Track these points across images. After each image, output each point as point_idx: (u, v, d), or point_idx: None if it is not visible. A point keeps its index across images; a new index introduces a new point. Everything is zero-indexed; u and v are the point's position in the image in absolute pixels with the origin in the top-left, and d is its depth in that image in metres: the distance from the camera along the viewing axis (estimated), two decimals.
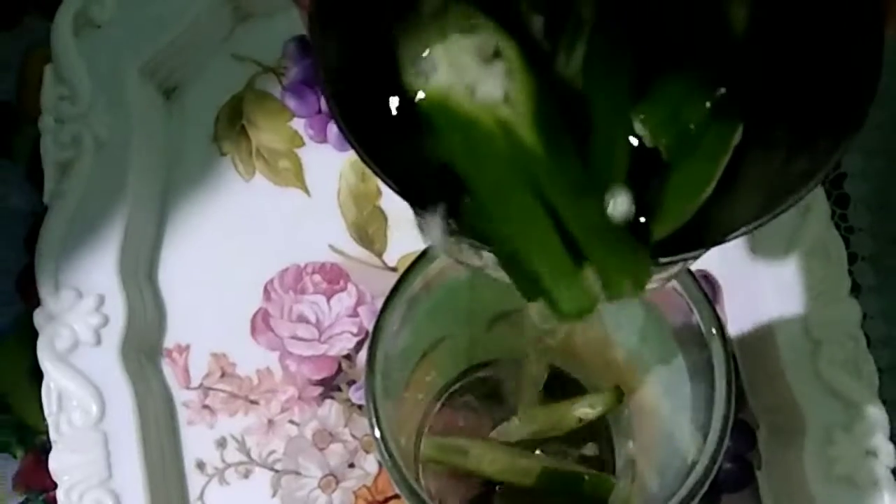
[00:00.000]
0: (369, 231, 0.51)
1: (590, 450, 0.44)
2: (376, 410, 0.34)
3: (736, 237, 0.26)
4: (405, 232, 0.51)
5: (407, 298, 0.38)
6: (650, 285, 0.27)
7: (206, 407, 0.49)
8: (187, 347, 0.50)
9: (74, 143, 0.48)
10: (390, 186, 0.27)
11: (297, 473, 0.49)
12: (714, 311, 0.34)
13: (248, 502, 0.49)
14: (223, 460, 0.49)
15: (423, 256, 0.38)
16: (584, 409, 0.43)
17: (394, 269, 0.51)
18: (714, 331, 0.34)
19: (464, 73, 0.27)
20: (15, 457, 0.50)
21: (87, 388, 0.46)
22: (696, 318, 0.34)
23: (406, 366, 0.40)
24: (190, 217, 0.51)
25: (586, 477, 0.43)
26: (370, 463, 0.48)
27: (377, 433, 0.33)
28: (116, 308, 0.47)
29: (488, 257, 0.27)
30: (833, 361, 0.46)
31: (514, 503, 0.44)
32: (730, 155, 0.27)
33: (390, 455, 0.33)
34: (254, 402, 0.49)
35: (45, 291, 0.47)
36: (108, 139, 0.48)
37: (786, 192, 0.25)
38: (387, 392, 0.36)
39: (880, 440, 0.45)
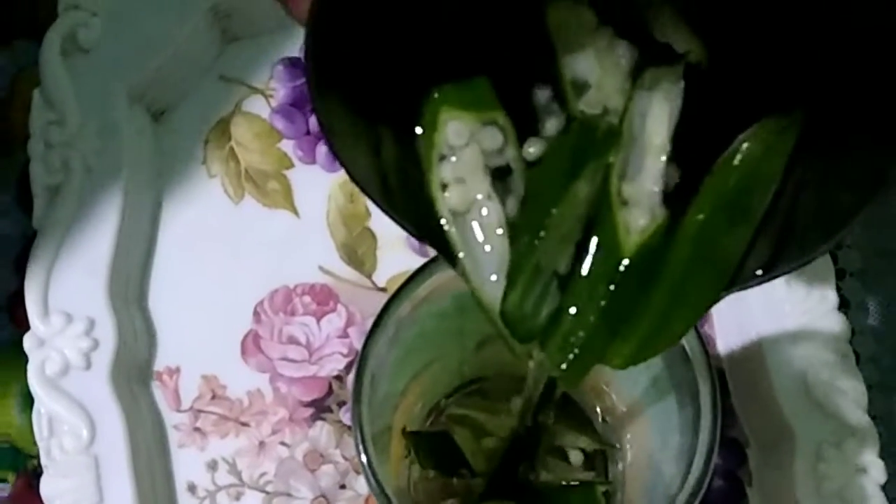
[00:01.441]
0: (359, 252, 0.51)
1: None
2: (363, 435, 0.34)
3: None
4: (395, 252, 0.51)
5: (395, 321, 0.38)
6: None
7: (196, 429, 0.49)
8: (177, 370, 0.50)
9: (63, 167, 0.48)
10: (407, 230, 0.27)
11: (289, 495, 0.49)
12: (699, 336, 0.34)
13: None
14: (214, 483, 0.49)
15: (411, 279, 0.38)
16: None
17: (384, 290, 0.51)
18: (699, 354, 0.34)
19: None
20: (6, 481, 0.50)
21: (77, 412, 0.46)
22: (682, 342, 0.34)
23: (394, 389, 0.40)
24: (179, 240, 0.51)
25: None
26: (361, 484, 0.48)
27: (364, 458, 0.33)
28: (106, 332, 0.47)
29: None
30: (822, 378, 0.46)
31: None
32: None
33: (377, 481, 0.33)
34: (245, 424, 0.49)
35: (34, 316, 0.47)
36: (97, 163, 0.48)
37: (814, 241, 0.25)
38: (374, 417, 0.36)
39: (870, 457, 0.45)
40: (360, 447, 0.34)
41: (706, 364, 0.35)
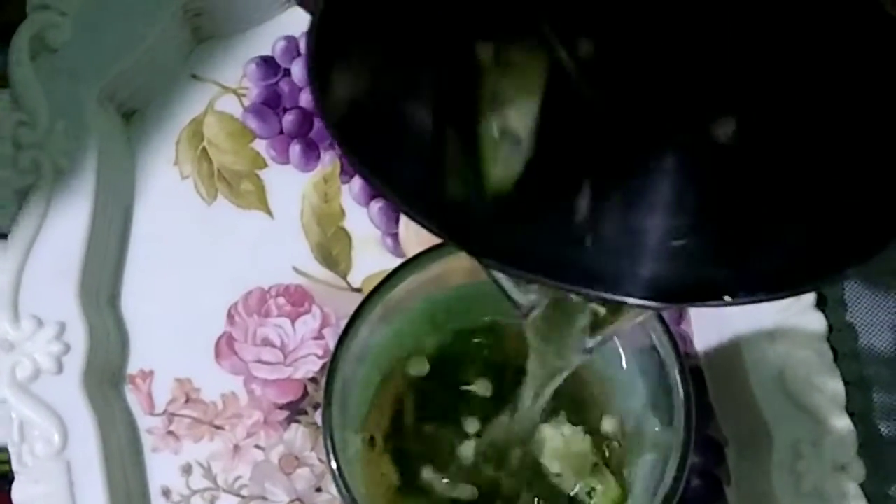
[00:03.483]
0: (333, 252, 0.50)
1: None
2: (332, 441, 0.33)
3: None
4: (370, 253, 0.50)
5: (369, 323, 0.37)
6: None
7: (170, 433, 0.49)
8: (151, 373, 0.49)
9: (33, 168, 0.48)
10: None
11: (264, 499, 0.48)
12: (672, 338, 0.34)
13: None
14: (189, 487, 0.48)
15: (385, 281, 0.37)
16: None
17: (359, 290, 0.50)
18: (672, 354, 0.34)
19: None
20: None
21: (49, 417, 0.46)
22: (656, 342, 0.34)
23: (366, 394, 0.40)
24: (151, 241, 0.51)
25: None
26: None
27: (333, 465, 0.33)
28: (78, 335, 0.47)
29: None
30: (800, 375, 0.45)
31: None
32: None
33: (347, 488, 0.32)
34: (219, 428, 0.49)
35: (4, 320, 0.46)
36: (67, 164, 0.48)
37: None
38: (345, 421, 0.35)
39: (849, 454, 0.45)
40: (330, 453, 0.33)
41: (678, 362, 0.34)
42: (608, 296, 0.25)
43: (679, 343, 0.35)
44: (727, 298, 0.24)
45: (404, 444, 0.38)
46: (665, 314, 0.36)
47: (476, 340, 0.41)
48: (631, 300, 0.25)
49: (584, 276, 0.25)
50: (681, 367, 0.34)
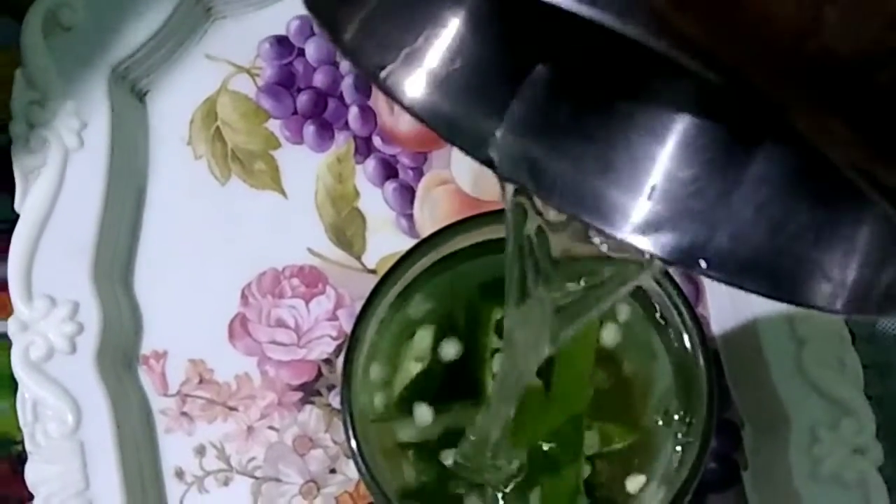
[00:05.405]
0: (347, 233, 0.50)
1: None
2: (353, 421, 0.33)
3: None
4: (384, 234, 0.50)
5: (386, 304, 0.37)
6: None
7: (184, 414, 0.49)
8: (164, 354, 0.49)
9: (46, 148, 0.47)
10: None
11: (278, 480, 0.48)
12: (696, 319, 0.34)
13: None
14: (202, 468, 0.48)
15: (401, 262, 0.37)
16: None
17: (373, 272, 0.50)
18: (696, 337, 0.33)
19: None
20: None
21: (62, 397, 0.46)
22: (678, 323, 0.34)
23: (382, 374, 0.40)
24: (165, 221, 0.51)
25: None
26: (352, 468, 0.48)
27: (353, 444, 0.33)
28: (91, 315, 0.47)
29: None
30: (817, 359, 0.45)
31: None
32: None
33: (367, 467, 0.32)
34: (233, 409, 0.49)
35: (17, 299, 0.46)
36: (80, 144, 0.48)
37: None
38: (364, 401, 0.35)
39: (867, 438, 0.44)
40: (350, 432, 0.33)
41: (701, 344, 0.34)
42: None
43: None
44: (702, 264, 0.24)
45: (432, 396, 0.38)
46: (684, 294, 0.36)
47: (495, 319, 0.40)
48: (620, 234, 0.25)
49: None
50: (704, 351, 0.34)
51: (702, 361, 0.34)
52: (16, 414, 0.46)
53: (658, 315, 0.37)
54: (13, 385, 0.46)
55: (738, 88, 0.16)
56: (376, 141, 0.51)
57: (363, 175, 0.51)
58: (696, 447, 0.34)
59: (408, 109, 0.26)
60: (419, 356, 0.38)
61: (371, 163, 0.51)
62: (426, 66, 0.26)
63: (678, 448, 0.36)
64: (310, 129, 0.51)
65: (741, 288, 0.25)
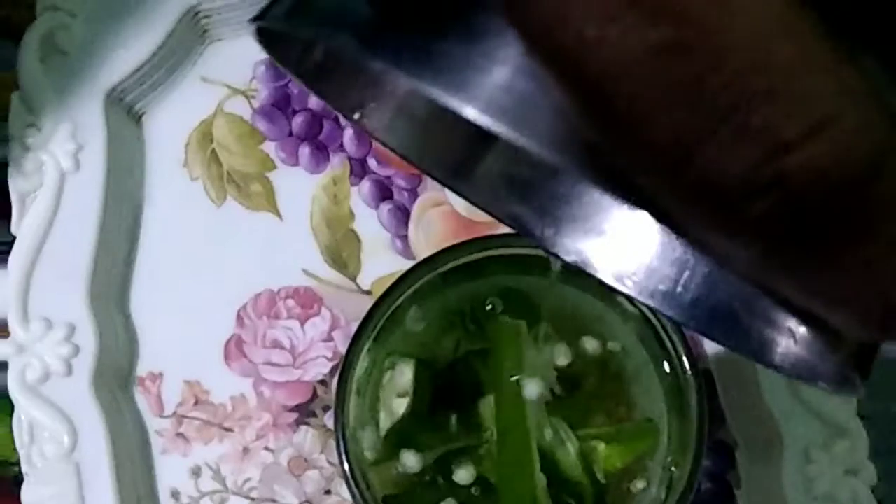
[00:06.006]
0: (343, 254, 0.50)
1: None
2: (346, 442, 0.33)
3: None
4: (379, 255, 0.50)
5: (380, 326, 0.37)
6: None
7: (179, 435, 0.49)
8: (160, 375, 0.49)
9: (42, 171, 0.48)
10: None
11: (273, 501, 0.48)
12: (685, 340, 0.34)
13: None
14: (198, 489, 0.48)
15: (396, 284, 0.37)
16: None
17: (368, 293, 0.50)
18: (686, 360, 0.34)
19: None
20: None
21: (58, 419, 0.46)
22: (669, 347, 0.34)
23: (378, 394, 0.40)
24: (161, 243, 0.51)
25: None
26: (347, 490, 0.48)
27: (346, 466, 0.33)
28: (87, 337, 0.47)
29: None
30: None
31: None
32: None
33: (360, 490, 0.32)
34: (228, 430, 0.49)
35: (14, 322, 0.46)
36: (76, 166, 0.48)
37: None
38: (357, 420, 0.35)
39: (860, 458, 0.45)
40: (343, 454, 0.33)
41: (692, 366, 0.34)
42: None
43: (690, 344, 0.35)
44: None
45: (418, 439, 0.38)
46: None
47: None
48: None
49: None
50: (693, 365, 0.34)
51: (692, 381, 0.34)
52: (12, 436, 0.46)
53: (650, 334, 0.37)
54: (9, 407, 0.46)
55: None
56: (371, 162, 0.51)
57: (358, 196, 0.51)
58: (686, 469, 0.35)
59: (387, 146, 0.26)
60: (401, 392, 0.38)
61: (366, 184, 0.51)
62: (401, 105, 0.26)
63: (672, 469, 0.37)
64: (305, 151, 0.51)
65: (708, 338, 0.25)
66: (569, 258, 0.27)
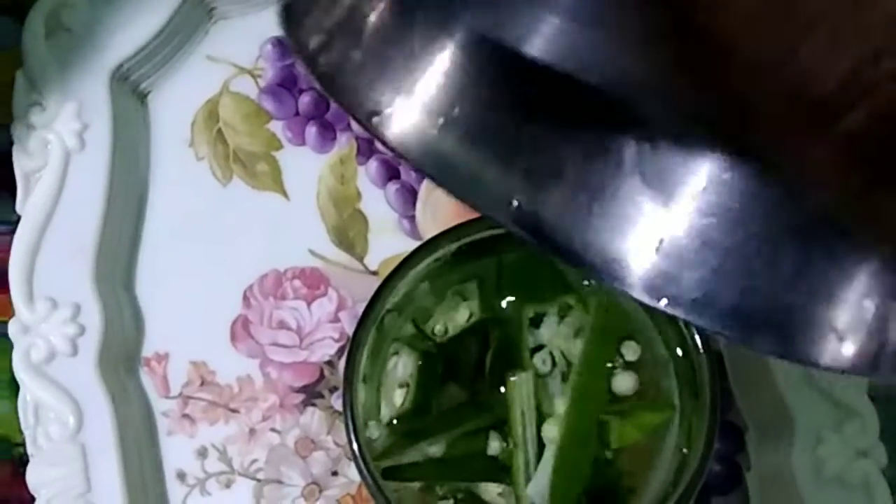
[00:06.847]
0: (350, 235, 0.50)
1: None
2: (354, 424, 0.33)
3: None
4: (386, 235, 0.50)
5: (388, 306, 0.37)
6: None
7: (185, 416, 0.49)
8: (166, 356, 0.49)
9: (47, 150, 0.47)
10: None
11: (280, 482, 0.48)
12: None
13: None
14: (204, 470, 0.48)
15: (403, 264, 0.37)
16: None
17: (375, 273, 0.50)
18: (699, 341, 0.33)
19: None
20: None
21: (64, 399, 0.46)
22: (682, 328, 0.34)
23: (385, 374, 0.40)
24: (166, 223, 0.50)
25: None
26: (354, 471, 0.47)
27: (355, 447, 0.33)
28: (93, 317, 0.46)
29: None
30: None
31: None
32: None
33: (368, 470, 0.32)
34: (234, 411, 0.49)
35: (19, 302, 0.46)
36: (81, 145, 0.48)
37: None
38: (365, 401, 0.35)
39: (871, 440, 0.44)
40: (351, 434, 0.33)
41: (705, 348, 0.34)
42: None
43: None
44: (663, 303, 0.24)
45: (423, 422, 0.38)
46: None
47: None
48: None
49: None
50: (707, 352, 0.33)
51: (704, 363, 0.34)
52: (17, 416, 0.46)
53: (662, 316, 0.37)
54: (14, 387, 0.46)
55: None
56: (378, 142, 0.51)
57: (365, 176, 0.51)
58: (699, 450, 0.34)
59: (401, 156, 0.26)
60: (402, 382, 0.38)
61: (373, 164, 0.50)
62: (421, 113, 0.25)
63: (684, 450, 0.36)
64: (312, 130, 0.51)
65: (749, 346, 0.25)
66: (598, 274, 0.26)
